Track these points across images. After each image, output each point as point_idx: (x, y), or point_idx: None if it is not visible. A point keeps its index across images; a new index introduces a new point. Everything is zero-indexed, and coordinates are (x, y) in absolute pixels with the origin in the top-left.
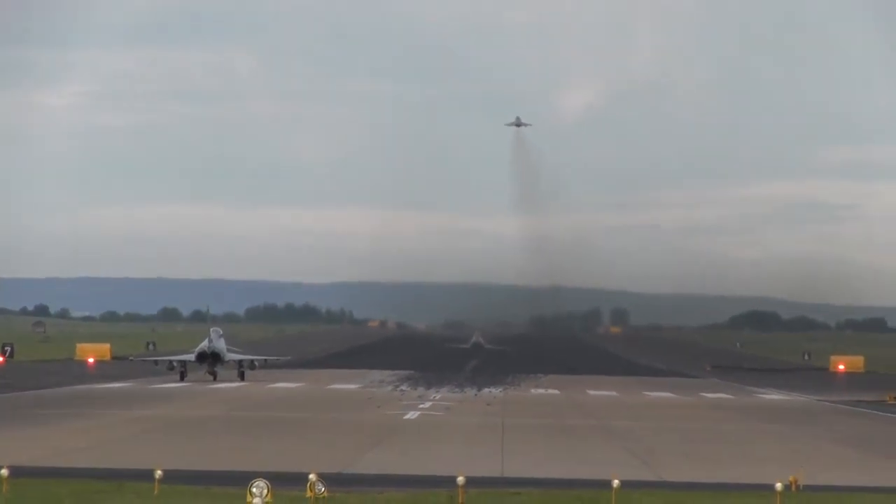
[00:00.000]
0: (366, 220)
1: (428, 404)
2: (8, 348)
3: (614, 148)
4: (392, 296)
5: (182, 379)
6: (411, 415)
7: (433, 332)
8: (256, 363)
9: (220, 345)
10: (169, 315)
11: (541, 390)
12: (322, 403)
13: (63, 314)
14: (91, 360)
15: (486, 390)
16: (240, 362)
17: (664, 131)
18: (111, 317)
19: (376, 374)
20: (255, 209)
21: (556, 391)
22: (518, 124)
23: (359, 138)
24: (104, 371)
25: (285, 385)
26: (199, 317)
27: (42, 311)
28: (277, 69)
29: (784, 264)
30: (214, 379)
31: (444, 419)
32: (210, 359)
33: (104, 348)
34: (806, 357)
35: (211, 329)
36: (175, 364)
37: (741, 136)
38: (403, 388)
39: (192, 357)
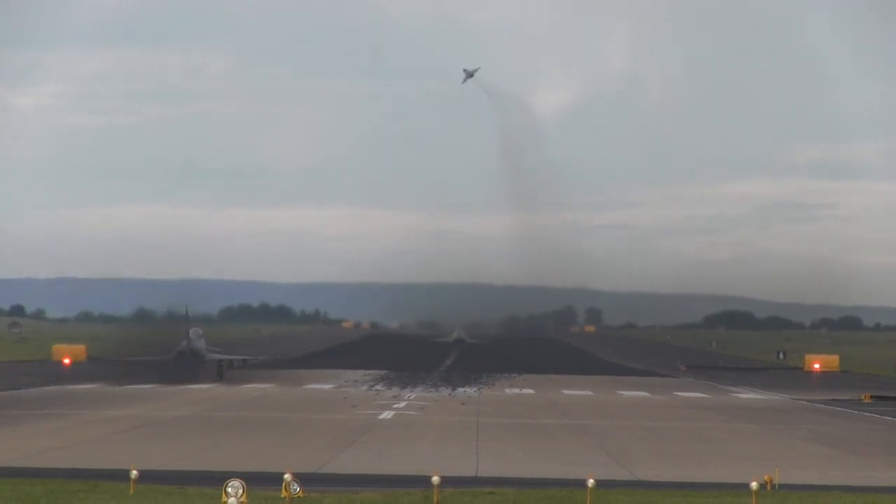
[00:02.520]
0: (340, 221)
1: (403, 404)
2: None
3: (588, 148)
4: (366, 296)
5: (160, 379)
6: (386, 414)
7: (407, 332)
8: (236, 363)
9: (200, 345)
10: (144, 316)
11: (515, 390)
12: (297, 403)
13: (39, 315)
14: (67, 360)
15: (460, 390)
16: (219, 362)
17: (638, 131)
18: (87, 317)
19: (351, 374)
20: (230, 209)
21: (531, 391)
22: (470, 75)
23: (334, 138)
24: (80, 372)
25: (260, 385)
26: (174, 317)
27: (18, 311)
28: (251, 69)
29: (759, 263)
30: (193, 379)
31: (418, 419)
32: (189, 359)
33: (80, 349)
34: (781, 356)
35: (190, 329)
36: (155, 364)
37: (715, 135)
38: (378, 387)
39: (171, 357)
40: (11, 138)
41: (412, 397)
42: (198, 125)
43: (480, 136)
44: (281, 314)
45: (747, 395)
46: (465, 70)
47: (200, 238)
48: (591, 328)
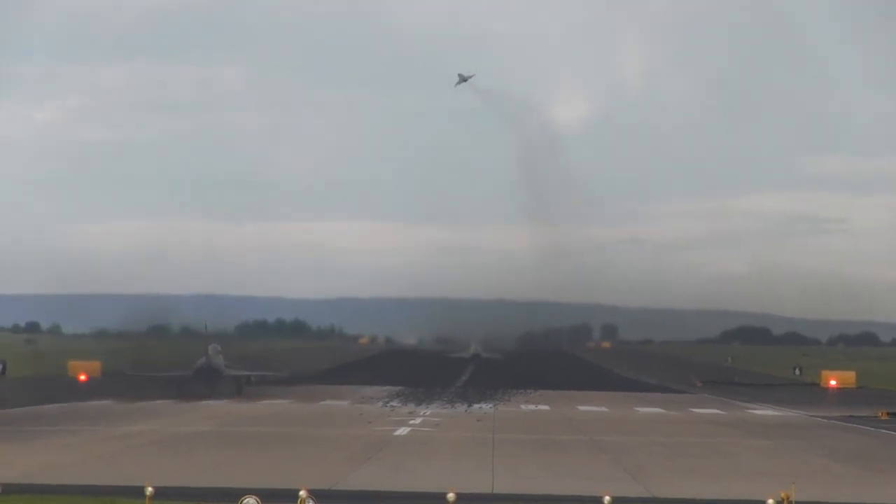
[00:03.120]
0: (356, 235)
1: (418, 420)
2: (0, 365)
3: (604, 161)
4: (382, 311)
5: (180, 395)
6: (402, 431)
7: (423, 348)
8: (253, 378)
9: (219, 361)
10: (159, 332)
11: (531, 406)
12: (312, 419)
13: (54, 330)
14: (83, 376)
15: (476, 406)
16: (237, 378)
17: (652, 144)
18: (102, 333)
19: (366, 390)
20: (245, 223)
21: (546, 407)
22: (464, 79)
23: (349, 151)
24: (95, 387)
25: (276, 401)
26: (190, 333)
27: (33, 327)
28: (266, 81)
29: (775, 278)
30: (212, 395)
31: (434, 435)
32: (208, 374)
33: (95, 365)
34: (797, 372)
35: (209, 345)
36: (174, 379)
37: (732, 148)
38: (394, 403)
39: (189, 373)
40: (25, 152)
41: (428, 413)
42: (212, 138)
43: (498, 149)
44: (296, 330)
45: (763, 412)
46: (459, 74)
47: (215, 253)
48: (606, 344)
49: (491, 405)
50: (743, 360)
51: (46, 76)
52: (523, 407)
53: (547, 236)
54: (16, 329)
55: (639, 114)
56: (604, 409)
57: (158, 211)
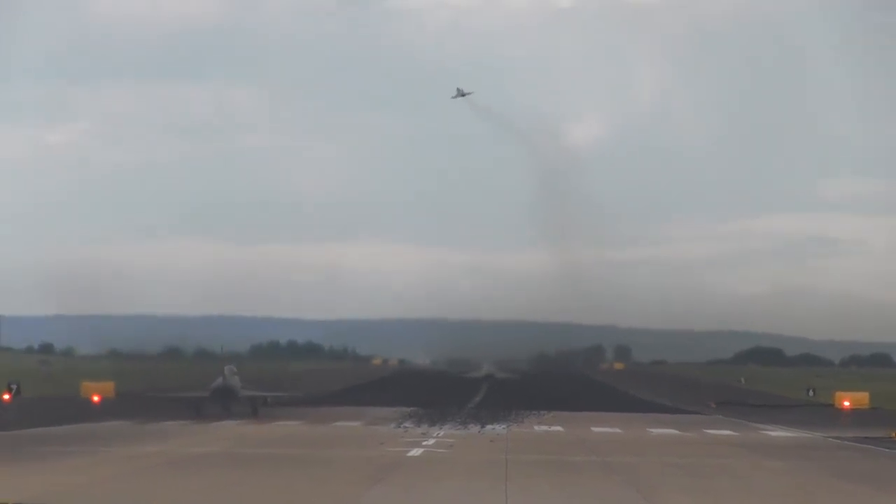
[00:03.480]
0: (369, 256)
1: (432, 441)
2: (14, 386)
3: (617, 183)
4: (395, 332)
5: (197, 416)
6: (415, 452)
7: (436, 369)
8: (269, 400)
9: (235, 382)
10: (173, 353)
11: (544, 427)
12: (325, 440)
13: (68, 352)
14: (96, 397)
15: (489, 427)
16: (253, 399)
17: (666, 166)
18: (115, 355)
19: (379, 411)
20: (257, 245)
21: (560, 428)
22: (462, 94)
23: (364, 173)
24: (109, 408)
25: (289, 422)
26: (204, 354)
27: (47, 348)
28: (282, 103)
29: (788, 299)
30: (228, 416)
31: (448, 456)
32: (224, 395)
33: (108, 386)
34: (810, 393)
35: (225, 366)
36: (190, 400)
37: (747, 169)
38: (407, 424)
39: (206, 394)
40: (40, 175)
41: (441, 434)
42: (225, 160)
43: (511, 171)
44: (310, 351)
45: (777, 433)
46: (458, 88)
47: (228, 274)
48: (620, 365)
49: (504, 426)
50: (756, 381)
51: (57, 99)
52: (536, 428)
53: (561, 257)
54: (29, 350)
55: (654, 135)
56: (617, 430)
57: (171, 232)
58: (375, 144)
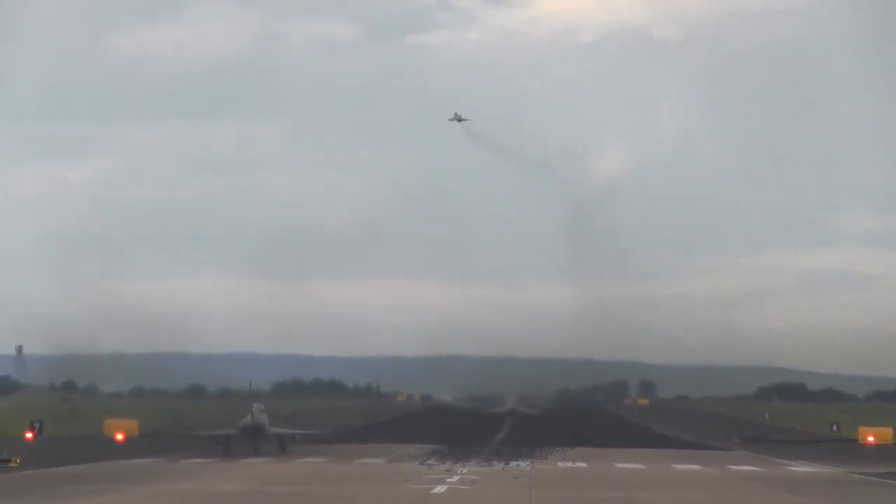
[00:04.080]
0: (389, 293)
1: (456, 478)
2: (37, 424)
3: (641, 217)
4: (418, 369)
5: (226, 453)
6: (439, 489)
7: (460, 405)
8: (298, 437)
9: (263, 419)
10: (195, 391)
11: (568, 463)
12: (350, 478)
13: (90, 390)
14: (120, 436)
15: (513, 464)
16: (281, 436)
17: (690, 201)
18: (139, 392)
19: (404, 448)
20: (279, 281)
21: (584, 464)
22: (458, 119)
23: (384, 209)
24: (133, 446)
25: (313, 459)
26: (227, 392)
27: (69, 386)
28: (303, 140)
29: (812, 334)
30: (256, 453)
31: (472, 493)
32: (252, 433)
33: (132, 424)
34: (834, 428)
35: (253, 404)
36: (219, 438)
37: (769, 203)
38: (431, 461)
39: (235, 431)
40: (64, 211)
41: (465, 471)
42: (249, 196)
43: (533, 206)
44: (332, 388)
45: (801, 468)
46: (455, 113)
47: (251, 311)
48: (644, 401)
49: (528, 463)
50: (780, 417)
51: (80, 136)
52: (560, 464)
53: (585, 293)
54: (51, 387)
55: (678, 169)
56: (641, 466)
57: (194, 269)
58: (398, 179)
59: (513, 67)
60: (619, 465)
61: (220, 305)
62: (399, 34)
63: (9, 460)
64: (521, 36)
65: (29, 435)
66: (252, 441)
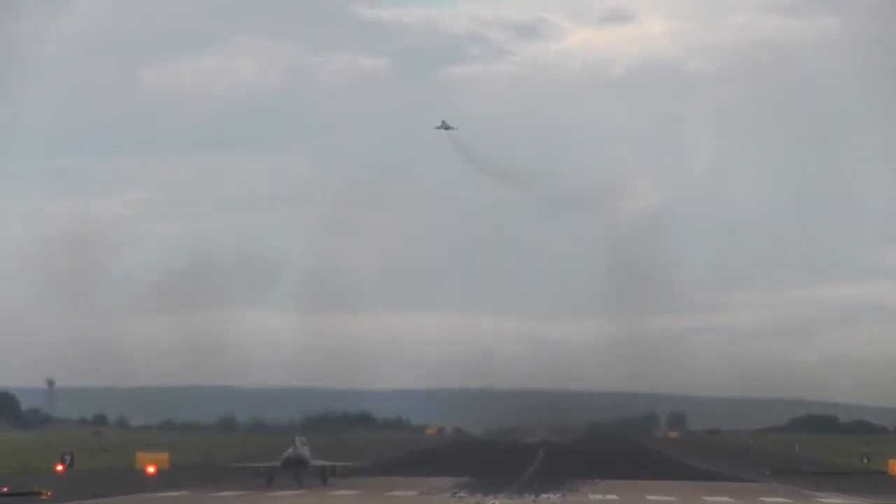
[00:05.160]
0: (419, 327)
1: None
2: (67, 457)
3: (672, 252)
4: (448, 402)
5: (269, 485)
6: None
7: (489, 438)
8: (338, 469)
9: (305, 452)
10: (227, 424)
11: (599, 495)
12: None
13: (121, 423)
14: (152, 468)
15: (544, 496)
16: (322, 468)
17: (721, 235)
18: (169, 426)
19: (434, 481)
20: (310, 315)
21: (615, 496)
22: (445, 127)
23: (414, 242)
24: (164, 480)
25: (344, 492)
26: (259, 426)
27: (100, 419)
28: (336, 173)
29: (842, 367)
30: (298, 485)
31: None
32: (295, 465)
33: (163, 457)
34: (865, 460)
35: (296, 437)
36: (262, 470)
37: (800, 238)
38: (461, 494)
39: (278, 464)
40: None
41: (496, 503)
42: (280, 229)
43: (565, 239)
44: (363, 421)
45: (832, 501)
46: (443, 121)
47: (281, 344)
48: (674, 433)
49: (559, 495)
50: (811, 449)
51: (115, 171)
52: (591, 496)
53: (615, 326)
54: (83, 421)
55: (710, 203)
56: (672, 498)
57: (225, 303)
58: (428, 213)
59: (544, 100)
60: (651, 498)
61: (247, 339)
62: (431, 67)
63: (40, 493)
64: (552, 69)
65: (59, 468)
66: (294, 473)
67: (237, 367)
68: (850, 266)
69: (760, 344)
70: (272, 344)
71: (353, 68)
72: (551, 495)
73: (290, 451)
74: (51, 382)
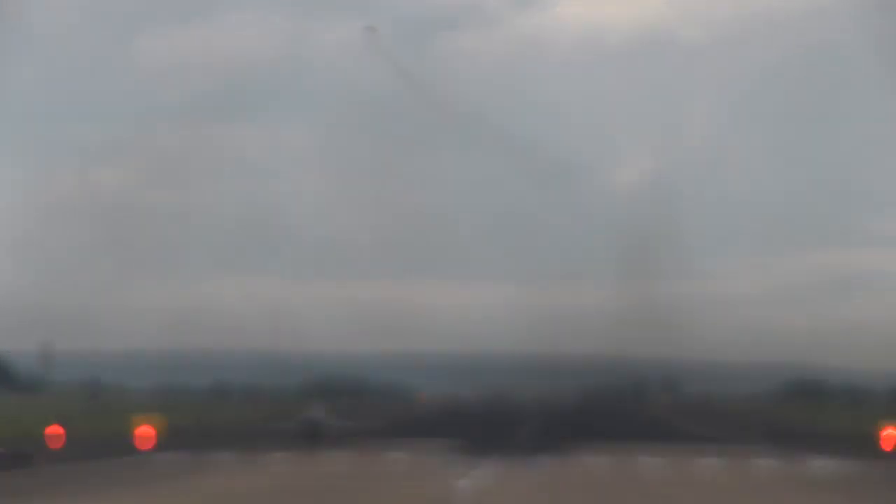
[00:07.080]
0: (410, 292)
1: (480, 472)
2: (61, 421)
3: (667, 219)
4: (439, 367)
5: (284, 448)
6: (463, 483)
7: (483, 402)
8: (354, 431)
9: (321, 415)
10: (221, 389)
11: (591, 458)
12: (375, 473)
13: (117, 387)
14: (147, 431)
15: (536, 458)
16: (340, 430)
17: (717, 202)
18: (165, 390)
19: (429, 444)
20: (307, 282)
21: (607, 459)
22: (371, 30)
23: (415, 212)
24: (160, 443)
25: (337, 453)
26: (252, 390)
27: (95, 384)
28: (334, 144)
29: (835, 333)
30: (315, 448)
31: (494, 487)
32: (312, 428)
33: (160, 420)
34: (858, 426)
35: (313, 400)
36: (277, 432)
37: (797, 205)
38: (455, 457)
39: (294, 426)
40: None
41: (489, 466)
42: (279, 200)
43: (562, 208)
44: (357, 385)
45: (825, 464)
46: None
47: (273, 310)
48: (666, 398)
49: (552, 457)
50: (804, 413)
51: (106, 140)
52: (583, 460)
53: (607, 292)
54: (78, 385)
55: (704, 170)
56: (663, 460)
57: (222, 269)
58: (428, 184)
59: (537, 69)
60: (642, 459)
61: (244, 304)
62: (424, 34)
63: (31, 456)
64: (546, 38)
65: (53, 432)
66: (312, 436)
67: (228, 332)
68: (849, 233)
69: (753, 309)
70: (262, 310)
71: (344, 37)
72: (544, 457)
73: (307, 413)
74: (45, 347)
